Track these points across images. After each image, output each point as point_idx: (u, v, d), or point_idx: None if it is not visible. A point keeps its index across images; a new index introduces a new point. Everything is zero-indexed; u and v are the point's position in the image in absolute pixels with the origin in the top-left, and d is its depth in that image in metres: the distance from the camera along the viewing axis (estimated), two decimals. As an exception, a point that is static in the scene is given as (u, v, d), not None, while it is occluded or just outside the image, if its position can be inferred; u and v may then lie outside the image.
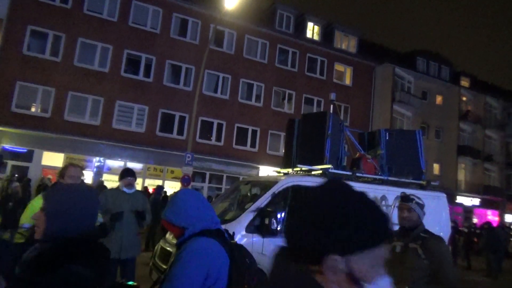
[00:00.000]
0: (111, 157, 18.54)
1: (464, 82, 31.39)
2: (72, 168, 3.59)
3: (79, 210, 1.52)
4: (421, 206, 2.84)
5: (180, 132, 20.22)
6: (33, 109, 17.73)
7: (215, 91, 21.49)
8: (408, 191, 6.62)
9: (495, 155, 31.18)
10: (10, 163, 16.66)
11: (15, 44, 17.11)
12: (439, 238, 2.77)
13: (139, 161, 18.95)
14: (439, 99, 29.14)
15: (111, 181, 17.66)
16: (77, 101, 18.19)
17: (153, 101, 19.67)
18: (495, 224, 16.00)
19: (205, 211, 2.00)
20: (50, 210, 1.52)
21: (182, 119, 20.29)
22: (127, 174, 4.68)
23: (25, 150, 17.09)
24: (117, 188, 4.78)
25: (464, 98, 30.45)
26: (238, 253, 1.96)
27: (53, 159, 17.30)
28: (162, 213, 2.02)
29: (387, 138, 7.23)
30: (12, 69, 16.97)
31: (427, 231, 2.77)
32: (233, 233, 3.19)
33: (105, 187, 14.90)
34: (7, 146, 16.76)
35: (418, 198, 2.88)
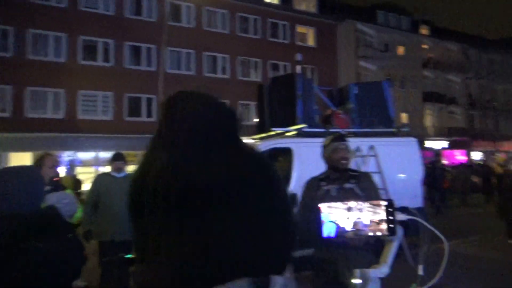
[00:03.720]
0: (81, 149, 18.02)
1: (424, 30, 31.98)
2: (50, 157, 3.44)
3: (16, 191, 1.55)
4: None
5: (149, 114, 19.80)
6: (-10, 110, 16.88)
7: (179, 67, 21.00)
8: (380, 139, 6.86)
9: (457, 97, 32.38)
10: (-24, 169, 15.95)
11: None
12: (367, 173, 2.84)
13: (111, 150, 18.44)
14: (401, 49, 29.66)
15: (85, 174, 17.29)
16: (37, 96, 17.41)
17: (117, 86, 19.04)
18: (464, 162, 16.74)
19: None
20: None
21: (149, 101, 19.82)
22: (115, 159, 4.62)
23: (-10, 154, 16.38)
24: (107, 173, 4.71)
25: (425, 46, 31.09)
26: None
27: (22, 160, 16.65)
28: None
29: (356, 91, 7.35)
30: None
31: (354, 170, 2.78)
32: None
33: (79, 180, 14.55)
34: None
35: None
